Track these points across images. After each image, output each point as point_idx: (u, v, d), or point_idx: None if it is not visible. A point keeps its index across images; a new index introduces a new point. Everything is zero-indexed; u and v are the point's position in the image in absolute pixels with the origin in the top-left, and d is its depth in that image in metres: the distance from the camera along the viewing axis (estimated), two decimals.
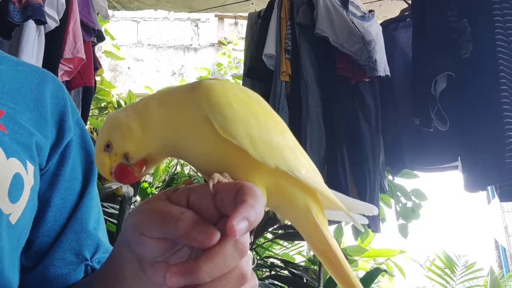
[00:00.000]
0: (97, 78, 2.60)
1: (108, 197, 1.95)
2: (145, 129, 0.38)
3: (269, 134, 0.37)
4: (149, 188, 2.42)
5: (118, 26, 4.27)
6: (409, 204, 2.34)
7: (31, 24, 1.43)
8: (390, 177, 2.16)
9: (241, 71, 2.05)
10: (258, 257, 2.18)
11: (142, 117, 0.38)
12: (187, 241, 0.32)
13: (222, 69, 4.06)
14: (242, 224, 0.31)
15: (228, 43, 4.12)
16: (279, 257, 2.34)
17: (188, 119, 0.37)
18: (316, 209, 0.41)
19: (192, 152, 0.38)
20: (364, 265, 2.91)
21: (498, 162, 1.47)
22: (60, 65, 1.58)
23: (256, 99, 0.39)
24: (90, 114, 2.16)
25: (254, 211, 0.32)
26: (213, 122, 0.35)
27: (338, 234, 2.43)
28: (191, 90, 0.37)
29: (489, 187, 1.80)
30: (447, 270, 3.35)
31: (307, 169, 0.39)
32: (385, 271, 2.48)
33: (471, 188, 1.63)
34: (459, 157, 1.71)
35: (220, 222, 0.33)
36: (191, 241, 0.32)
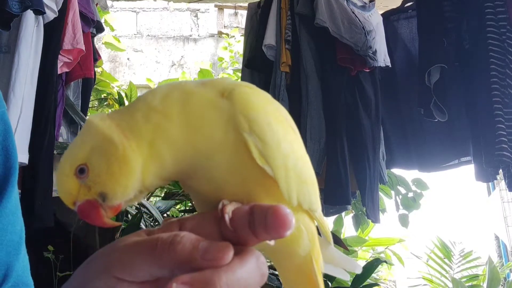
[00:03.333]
0: (97, 69, 2.60)
1: None
2: (151, 158, 0.29)
3: (301, 165, 0.32)
4: None
5: (117, 17, 4.25)
6: (410, 194, 2.35)
7: (29, 15, 1.42)
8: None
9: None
10: None
11: (151, 138, 0.29)
12: (191, 265, 0.25)
13: (223, 63, 4.04)
14: (292, 218, 0.26)
15: (231, 37, 4.09)
16: None
17: (217, 133, 0.30)
18: (317, 255, 0.34)
19: (209, 175, 0.30)
20: (364, 254, 2.93)
21: (488, 154, 1.50)
22: (59, 56, 1.58)
23: (284, 114, 0.33)
24: (90, 105, 2.16)
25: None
26: (251, 145, 0.29)
27: (338, 224, 2.44)
28: (219, 96, 0.30)
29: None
30: (446, 260, 3.37)
31: (320, 206, 0.35)
32: (385, 261, 2.50)
33: (481, 177, 1.65)
34: (471, 147, 1.72)
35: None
36: (198, 262, 0.25)
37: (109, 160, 0.29)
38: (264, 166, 0.30)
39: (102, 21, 2.24)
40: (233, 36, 4.08)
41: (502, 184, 3.36)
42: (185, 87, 0.31)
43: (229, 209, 0.28)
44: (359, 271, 0.40)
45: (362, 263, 2.55)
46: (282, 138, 0.31)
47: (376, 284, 2.26)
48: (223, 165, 0.30)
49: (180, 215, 1.94)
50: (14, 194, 0.47)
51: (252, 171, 0.30)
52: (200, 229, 0.27)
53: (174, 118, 0.29)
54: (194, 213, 0.30)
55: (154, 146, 0.29)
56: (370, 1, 1.92)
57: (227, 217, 0.27)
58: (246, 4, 2.25)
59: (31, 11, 1.37)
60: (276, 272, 1.86)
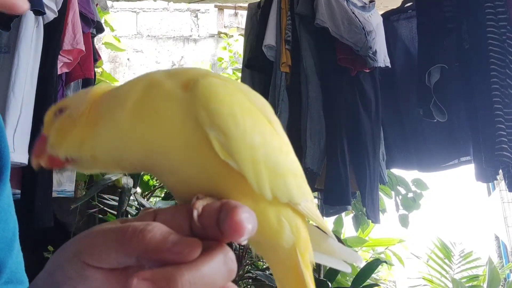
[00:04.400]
0: (97, 70, 2.60)
1: (108, 188, 1.96)
2: (93, 137, 0.30)
3: (275, 157, 0.31)
4: (150, 180, 2.42)
5: (117, 17, 4.25)
6: (410, 194, 2.35)
7: (29, 15, 1.42)
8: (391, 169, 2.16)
9: (241, 65, 2.04)
10: None
11: (101, 121, 0.30)
12: (159, 256, 0.25)
13: (222, 63, 4.04)
14: (248, 223, 0.25)
15: (229, 36, 4.09)
16: None
17: (174, 128, 0.29)
18: (304, 248, 0.33)
19: (170, 169, 0.30)
20: (364, 255, 2.93)
21: (489, 154, 1.50)
22: (59, 56, 1.58)
23: (260, 105, 0.32)
24: None
25: (253, 218, 0.26)
26: (212, 139, 0.28)
27: (338, 225, 2.44)
28: (184, 88, 0.30)
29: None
30: (446, 260, 3.37)
31: (306, 197, 0.33)
32: (385, 261, 2.50)
33: (481, 178, 1.64)
34: (471, 147, 1.72)
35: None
36: (165, 254, 0.25)
37: (68, 117, 0.32)
38: (228, 161, 0.29)
39: (102, 21, 2.24)
40: (232, 36, 4.08)
41: (502, 184, 3.35)
42: (151, 77, 0.31)
43: (199, 204, 0.27)
44: (360, 263, 0.39)
45: (362, 263, 2.55)
46: (249, 130, 0.30)
47: (376, 285, 2.26)
48: (184, 160, 0.29)
49: None
50: (7, 191, 0.47)
51: (218, 166, 0.29)
52: (171, 222, 0.27)
53: (127, 108, 0.30)
54: (170, 205, 0.30)
55: (101, 127, 0.30)
56: (370, 2, 1.92)
57: (195, 213, 0.27)
58: (246, 5, 2.24)
59: (31, 12, 1.37)
60: None
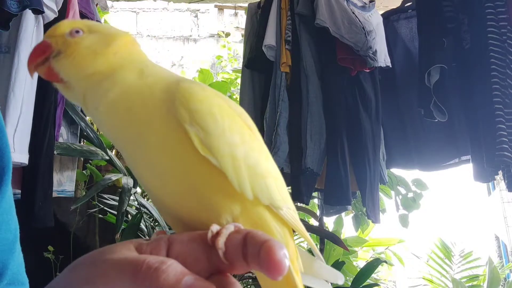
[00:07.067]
0: None
1: (108, 188, 1.96)
2: (105, 84, 0.31)
3: (254, 157, 0.32)
4: None
5: (117, 17, 4.25)
6: (410, 194, 2.35)
7: (29, 15, 1.42)
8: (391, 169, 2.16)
9: (240, 64, 2.03)
10: None
11: (120, 76, 0.31)
12: None
13: (221, 62, 4.03)
14: (287, 260, 0.25)
15: (227, 35, 4.08)
16: None
17: (152, 122, 0.30)
18: (293, 254, 0.34)
19: (145, 162, 0.31)
20: (364, 254, 2.93)
21: (489, 154, 1.50)
22: None
23: (239, 112, 0.34)
24: None
25: (287, 253, 0.25)
26: (192, 135, 0.29)
27: (338, 225, 2.44)
28: (166, 90, 0.31)
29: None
30: (446, 260, 3.37)
31: (287, 205, 0.34)
32: (385, 261, 2.50)
33: (479, 178, 1.64)
34: (469, 147, 1.72)
35: (212, 279, 0.26)
36: None
37: (88, 44, 0.32)
38: (208, 156, 0.29)
39: (102, 21, 2.24)
40: (229, 34, 4.07)
41: (502, 184, 3.36)
42: (166, 81, 0.32)
43: (221, 242, 0.27)
44: (341, 282, 0.38)
45: (362, 263, 2.55)
46: (228, 128, 0.31)
47: (376, 284, 2.26)
48: (158, 156, 0.30)
49: None
50: (8, 193, 0.47)
51: (199, 164, 0.30)
52: (188, 253, 0.27)
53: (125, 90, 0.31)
54: (184, 232, 0.29)
55: (106, 82, 0.31)
56: (370, 1, 1.92)
57: (221, 253, 0.26)
58: (246, 5, 2.24)
59: (31, 11, 1.37)
60: None
